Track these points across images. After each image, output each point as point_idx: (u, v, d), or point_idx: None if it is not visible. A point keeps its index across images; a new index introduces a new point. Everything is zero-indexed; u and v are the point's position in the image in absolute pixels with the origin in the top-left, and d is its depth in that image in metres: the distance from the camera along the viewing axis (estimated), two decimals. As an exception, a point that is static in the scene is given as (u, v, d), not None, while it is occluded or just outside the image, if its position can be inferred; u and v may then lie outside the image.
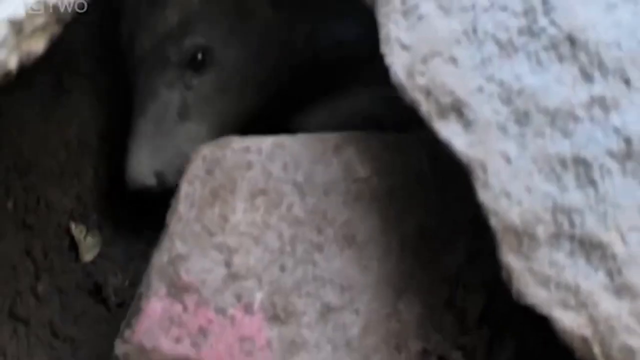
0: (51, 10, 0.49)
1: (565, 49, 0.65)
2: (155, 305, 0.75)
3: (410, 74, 0.69)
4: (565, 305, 0.63)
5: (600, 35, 0.64)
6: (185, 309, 0.76)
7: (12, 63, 0.46)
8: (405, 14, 0.70)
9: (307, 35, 0.98)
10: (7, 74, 0.45)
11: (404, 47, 0.70)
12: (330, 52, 0.99)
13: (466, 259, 0.79)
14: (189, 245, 0.77)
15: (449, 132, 0.67)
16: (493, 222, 0.65)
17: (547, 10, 0.65)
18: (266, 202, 0.79)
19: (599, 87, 0.64)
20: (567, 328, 0.62)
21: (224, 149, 0.80)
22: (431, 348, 0.78)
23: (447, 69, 0.68)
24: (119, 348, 0.75)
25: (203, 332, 0.76)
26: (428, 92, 0.68)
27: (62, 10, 0.48)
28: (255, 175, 0.79)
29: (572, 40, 0.64)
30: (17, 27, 0.46)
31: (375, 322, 0.77)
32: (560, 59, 0.65)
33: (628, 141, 0.62)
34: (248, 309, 0.76)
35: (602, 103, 0.63)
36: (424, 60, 0.69)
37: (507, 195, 0.65)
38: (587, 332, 0.62)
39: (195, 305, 0.76)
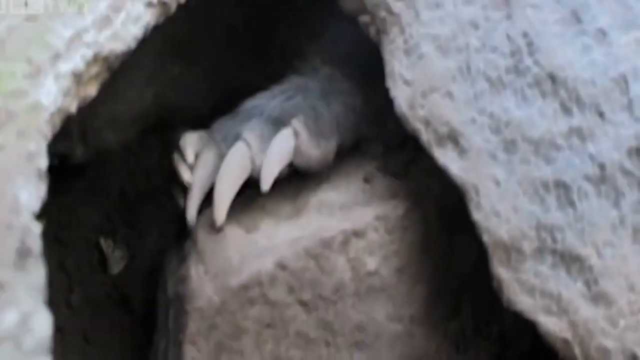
0: (102, 61, 0.56)
1: (547, 85, 0.70)
2: None
3: (412, 106, 0.74)
4: (548, 311, 0.68)
5: (577, 73, 0.69)
6: None
7: (73, 108, 0.52)
8: (407, 52, 0.75)
9: None
10: (69, 117, 0.54)
11: (406, 82, 0.75)
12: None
13: (471, 322, 0.80)
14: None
15: (446, 159, 0.71)
16: (485, 238, 0.69)
17: (532, 51, 0.70)
18: (273, 335, 0.75)
19: (576, 120, 0.68)
20: (550, 331, 0.68)
21: (224, 290, 0.73)
22: None
23: (444, 103, 0.73)
24: None
25: None
26: (427, 123, 0.73)
27: (111, 59, 0.57)
28: (260, 312, 0.74)
29: (553, 78, 0.69)
30: (77, 78, 0.52)
31: None
32: (543, 94, 0.70)
33: (602, 167, 0.67)
34: None
35: (579, 133, 0.68)
36: (424, 94, 0.73)
37: (497, 214, 0.69)
38: (568, 335, 0.67)
39: None
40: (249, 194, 0.78)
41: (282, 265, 0.73)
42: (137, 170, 0.99)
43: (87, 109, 0.82)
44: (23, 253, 0.38)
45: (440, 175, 0.73)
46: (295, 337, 0.73)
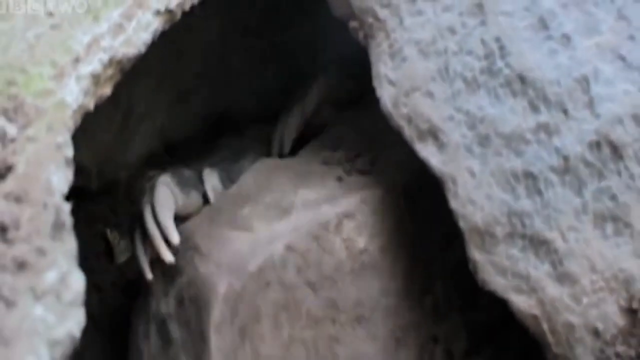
0: (117, 64, 0.63)
1: (517, 85, 0.75)
2: None
3: (396, 105, 0.79)
4: (519, 290, 0.74)
5: (544, 74, 0.74)
6: None
7: (91, 105, 0.60)
8: (392, 55, 0.81)
9: None
10: (88, 113, 0.61)
11: (391, 83, 0.80)
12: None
13: (443, 296, 0.87)
14: None
15: (427, 152, 0.77)
16: (461, 224, 0.75)
17: (503, 54, 0.76)
18: (288, 317, 0.81)
19: (543, 116, 0.74)
20: (521, 309, 0.73)
21: (241, 277, 0.79)
22: None
23: (424, 101, 0.78)
24: None
25: None
26: (410, 120, 0.78)
27: (124, 62, 0.65)
28: (275, 294, 0.80)
29: (522, 79, 0.75)
30: (96, 79, 0.60)
31: None
32: (513, 93, 0.75)
33: (566, 159, 0.73)
34: None
35: (546, 129, 0.74)
36: (407, 93, 0.79)
37: (472, 202, 0.75)
38: (537, 311, 0.73)
39: None
40: (231, 210, 0.87)
41: (290, 248, 0.80)
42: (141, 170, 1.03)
43: (103, 154, 0.90)
44: (58, 226, 0.46)
45: (404, 168, 0.81)
46: (306, 319, 0.80)
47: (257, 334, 0.78)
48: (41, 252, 0.44)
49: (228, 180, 0.95)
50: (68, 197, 0.50)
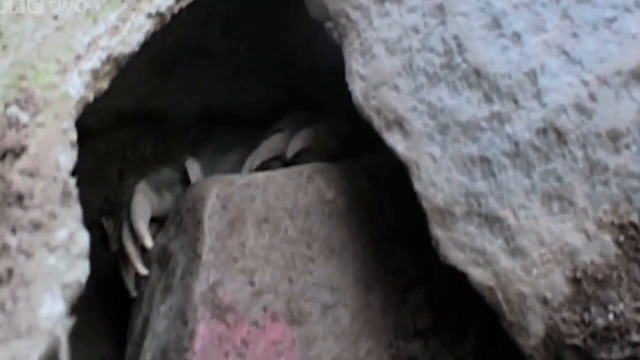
0: (114, 62, 0.72)
1: (473, 79, 0.80)
2: (205, 328, 0.85)
3: (366, 98, 0.85)
4: (476, 264, 0.79)
5: (497, 69, 0.79)
6: (228, 327, 0.86)
7: (91, 98, 0.69)
8: (363, 53, 0.86)
9: None
10: (88, 106, 0.70)
11: (362, 78, 0.86)
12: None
13: (410, 254, 0.96)
14: (221, 272, 0.87)
15: (394, 140, 0.83)
16: (425, 205, 0.81)
17: (461, 51, 0.80)
18: (269, 228, 0.90)
19: (496, 106, 0.79)
20: (478, 281, 0.79)
21: (231, 187, 0.90)
22: (396, 333, 0.95)
23: (391, 94, 0.83)
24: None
25: (245, 343, 0.87)
26: (378, 111, 0.84)
27: (120, 60, 0.74)
28: (258, 207, 0.90)
29: (478, 73, 0.80)
30: (95, 75, 0.67)
31: (358, 312, 0.92)
32: (470, 86, 0.80)
33: (517, 144, 0.77)
34: (274, 317, 0.88)
35: (499, 117, 0.79)
36: (375, 87, 0.84)
37: (434, 185, 0.80)
38: (492, 283, 0.78)
39: (234, 323, 0.86)
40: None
41: (270, 178, 0.92)
42: (134, 159, 1.11)
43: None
44: (66, 196, 0.56)
45: (368, 159, 0.91)
46: (284, 235, 0.90)
47: (243, 232, 0.89)
48: (53, 215, 0.54)
49: (210, 172, 1.04)
50: (73, 174, 0.60)
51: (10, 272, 0.50)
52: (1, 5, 0.68)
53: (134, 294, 0.96)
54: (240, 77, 1.13)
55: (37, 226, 0.53)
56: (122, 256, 0.99)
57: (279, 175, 0.93)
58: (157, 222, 1.00)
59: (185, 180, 1.04)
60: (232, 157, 1.09)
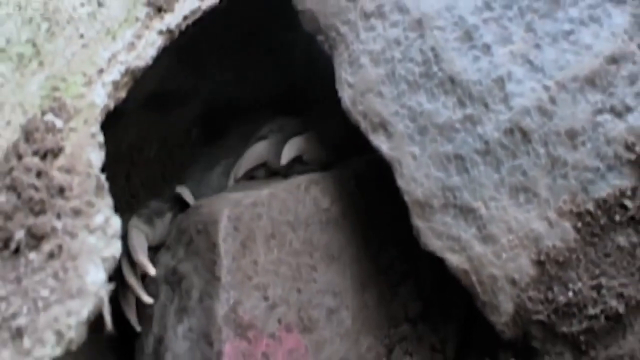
0: (131, 74, 0.82)
1: (448, 86, 0.86)
2: (230, 347, 0.90)
3: (354, 103, 0.91)
4: (452, 250, 0.86)
5: (469, 76, 0.86)
6: (249, 342, 0.91)
7: (112, 106, 0.80)
8: (351, 63, 0.93)
9: None
10: (108, 114, 0.80)
11: (350, 85, 0.92)
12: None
13: (398, 249, 1.02)
14: (239, 291, 0.91)
15: (379, 141, 0.89)
16: (406, 198, 0.88)
17: (437, 61, 0.87)
18: (276, 243, 0.95)
19: (469, 110, 0.86)
20: (454, 265, 0.86)
21: (239, 207, 0.94)
22: (389, 324, 1.00)
23: (376, 100, 0.90)
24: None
25: (265, 356, 0.91)
26: (365, 115, 0.91)
27: (136, 72, 0.84)
28: (265, 224, 0.95)
29: (452, 80, 0.86)
30: (116, 85, 0.80)
31: (357, 312, 0.98)
32: (445, 92, 0.87)
33: (487, 143, 0.84)
34: (288, 328, 0.93)
35: (471, 119, 0.85)
36: (362, 94, 0.91)
37: (414, 180, 0.87)
38: (466, 267, 0.86)
39: (254, 338, 0.91)
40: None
41: (273, 195, 0.97)
42: (139, 162, 1.15)
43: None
44: (99, 188, 0.68)
45: (354, 162, 0.96)
46: (289, 248, 0.96)
47: (254, 250, 0.93)
48: (90, 204, 0.66)
49: (198, 190, 1.09)
50: (102, 170, 0.73)
51: (60, 248, 0.63)
52: (39, 27, 0.79)
53: (138, 328, 1.00)
54: (244, 73, 1.16)
55: (77, 212, 0.66)
56: (123, 292, 1.02)
57: (280, 190, 0.98)
58: (152, 250, 1.04)
59: (175, 206, 1.07)
60: (218, 169, 1.15)
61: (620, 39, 0.84)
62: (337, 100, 0.94)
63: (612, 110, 0.84)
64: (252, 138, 1.10)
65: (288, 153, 1.04)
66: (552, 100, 0.85)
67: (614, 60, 0.84)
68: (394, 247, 1.02)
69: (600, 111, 0.84)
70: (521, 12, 0.87)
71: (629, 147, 0.83)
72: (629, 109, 0.83)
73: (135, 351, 1.01)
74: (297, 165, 1.06)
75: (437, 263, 0.88)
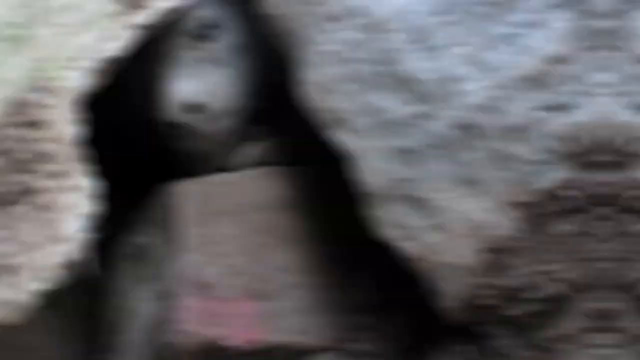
0: (108, 62, 0.95)
1: (403, 84, 0.94)
2: (192, 302, 1.03)
3: (313, 100, 1.02)
4: (404, 239, 0.95)
5: (423, 76, 0.94)
6: (211, 301, 1.02)
7: (89, 90, 0.94)
8: (310, 63, 1.02)
9: None
10: (86, 95, 0.95)
11: (309, 84, 1.02)
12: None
13: (353, 242, 1.08)
14: (205, 256, 1.05)
15: (336, 136, 0.99)
16: (362, 189, 0.95)
17: (393, 61, 0.96)
18: (240, 220, 1.08)
19: (422, 107, 0.94)
20: (407, 252, 0.94)
21: (201, 185, 1.10)
22: (345, 316, 1.08)
23: (335, 97, 1.00)
24: (174, 338, 1.01)
25: (226, 317, 1.02)
26: (324, 112, 1.01)
27: (113, 61, 0.98)
28: (231, 202, 1.08)
29: (407, 79, 0.94)
30: (92, 71, 0.93)
31: (315, 292, 1.08)
32: (400, 90, 0.94)
33: (439, 138, 0.92)
34: (249, 294, 1.04)
35: (424, 116, 0.93)
36: (322, 92, 1.01)
37: (370, 172, 0.95)
38: (418, 254, 0.94)
39: (217, 300, 1.02)
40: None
41: (238, 178, 1.13)
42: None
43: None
44: (79, 155, 0.81)
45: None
46: (252, 225, 1.10)
47: (220, 223, 1.07)
48: (70, 168, 0.79)
49: None
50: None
51: (46, 203, 0.75)
52: (24, 14, 0.90)
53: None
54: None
55: (58, 174, 0.78)
56: None
57: (245, 175, 1.14)
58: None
59: None
60: None
61: (560, 41, 0.92)
62: (296, 99, 1.03)
63: (552, 108, 0.92)
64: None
65: (247, 159, 1.17)
66: (499, 98, 0.92)
67: (554, 61, 0.92)
68: (349, 236, 1.07)
69: (541, 108, 0.92)
70: (471, 16, 0.95)
71: (567, 141, 0.91)
72: (566, 107, 0.92)
73: (101, 320, 1.12)
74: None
75: (391, 252, 0.96)
